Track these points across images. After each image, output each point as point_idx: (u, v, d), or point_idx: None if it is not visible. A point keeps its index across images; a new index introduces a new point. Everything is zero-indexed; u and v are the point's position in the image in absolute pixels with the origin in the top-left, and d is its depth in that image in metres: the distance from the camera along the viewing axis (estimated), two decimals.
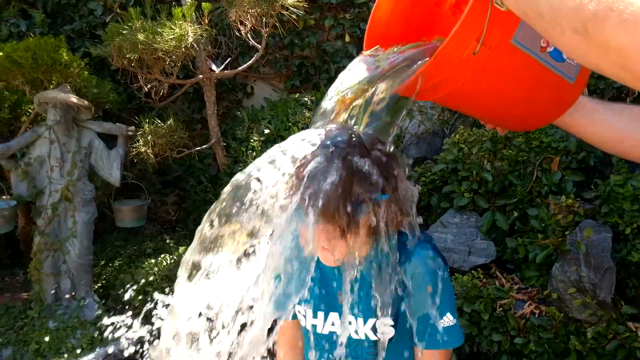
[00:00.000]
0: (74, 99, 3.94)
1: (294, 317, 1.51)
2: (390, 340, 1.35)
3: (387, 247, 1.32)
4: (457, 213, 3.66)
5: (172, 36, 4.01)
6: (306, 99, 5.18)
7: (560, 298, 2.98)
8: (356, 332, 1.37)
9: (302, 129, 4.86)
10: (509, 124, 1.27)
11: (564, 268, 3.00)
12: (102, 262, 4.84)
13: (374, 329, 1.34)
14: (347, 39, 5.45)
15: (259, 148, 4.88)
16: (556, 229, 3.12)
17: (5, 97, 4.31)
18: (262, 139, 4.95)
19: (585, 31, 0.64)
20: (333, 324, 1.39)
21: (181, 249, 4.55)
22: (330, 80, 5.56)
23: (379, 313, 1.33)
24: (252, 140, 4.97)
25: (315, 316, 1.40)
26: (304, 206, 1.13)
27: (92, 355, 3.79)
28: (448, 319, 1.34)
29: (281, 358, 1.60)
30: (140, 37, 3.93)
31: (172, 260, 4.32)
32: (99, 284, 4.63)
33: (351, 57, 5.51)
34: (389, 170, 1.18)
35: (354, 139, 1.16)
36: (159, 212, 5.89)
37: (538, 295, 3.17)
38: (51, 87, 4.11)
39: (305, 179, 1.14)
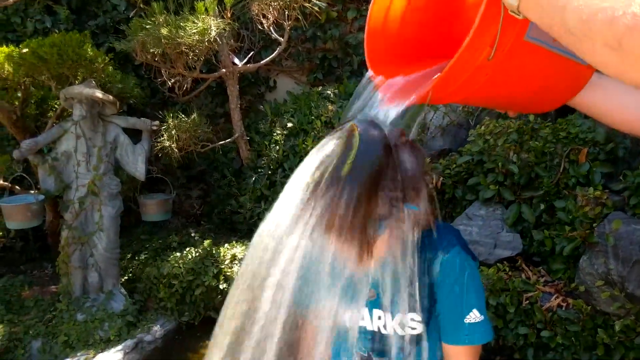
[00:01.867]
0: (99, 94, 3.98)
1: None
2: (419, 336, 1.34)
3: (414, 245, 1.31)
4: (483, 205, 3.62)
5: (195, 30, 4.03)
6: (329, 92, 5.17)
7: (588, 291, 2.94)
8: (384, 326, 1.36)
9: (325, 122, 4.85)
10: (522, 109, 1.27)
11: (592, 260, 2.95)
12: (129, 256, 4.90)
13: (402, 325, 1.34)
14: None
15: (282, 142, 4.89)
16: (584, 221, 3.08)
17: (32, 93, 4.37)
18: (285, 132, 4.96)
19: (619, 46, 0.60)
20: (363, 319, 1.38)
21: (206, 242, 4.58)
22: (353, 72, 5.55)
23: (407, 308, 1.32)
24: (275, 134, 4.98)
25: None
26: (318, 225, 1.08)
27: (119, 347, 3.84)
28: (475, 315, 1.31)
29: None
30: (164, 31, 3.96)
31: (197, 254, 4.35)
32: (126, 277, 4.68)
33: None
34: (416, 173, 1.15)
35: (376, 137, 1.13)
36: (184, 206, 5.93)
37: (565, 288, 3.13)
38: (76, 82, 4.15)
39: (317, 196, 1.08)
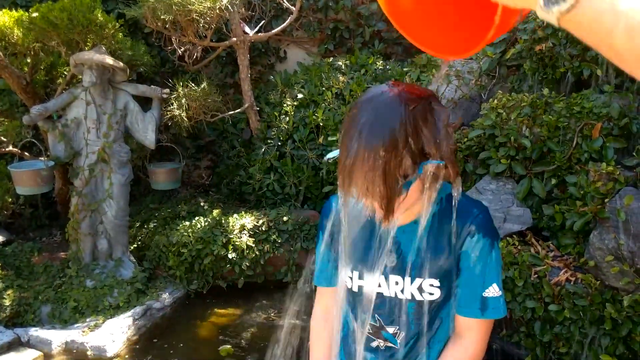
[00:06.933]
0: (109, 60, 3.95)
1: (337, 282, 1.51)
2: (435, 302, 1.34)
3: (436, 208, 1.31)
4: (493, 180, 3.60)
5: None
6: (340, 63, 5.13)
7: (597, 266, 2.93)
8: (402, 291, 1.35)
9: (336, 93, 4.82)
10: None
11: (602, 236, 2.94)
12: (138, 224, 4.92)
13: (420, 289, 1.33)
14: None
15: (292, 113, 4.86)
16: (595, 196, 3.05)
17: (41, 58, 4.35)
18: (295, 103, 4.93)
19: None
20: (380, 285, 1.38)
21: (215, 212, 4.59)
22: (365, 44, 5.50)
23: (427, 272, 1.32)
24: (285, 105, 4.95)
25: (361, 277, 1.39)
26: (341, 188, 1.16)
27: (129, 313, 3.88)
28: (494, 290, 1.32)
29: (315, 325, 1.60)
30: None
31: (207, 223, 4.37)
32: (135, 245, 4.71)
33: (387, 21, 5.43)
34: (436, 129, 1.15)
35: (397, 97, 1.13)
36: (192, 176, 5.94)
37: (574, 263, 3.12)
38: (87, 48, 4.13)
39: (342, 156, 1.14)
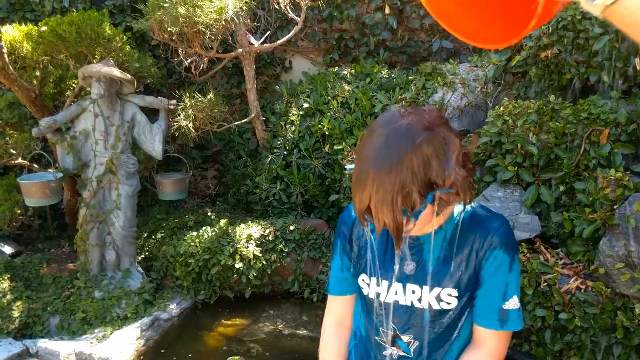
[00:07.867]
0: (117, 72, 3.98)
1: (352, 291, 1.52)
2: (451, 312, 1.34)
3: (457, 219, 1.33)
4: (501, 187, 3.60)
5: (212, 9, 4.01)
6: (345, 72, 5.14)
7: (608, 273, 2.92)
8: (419, 300, 1.36)
9: (342, 102, 4.83)
10: None
11: (612, 243, 2.92)
12: (145, 234, 4.93)
13: (438, 299, 1.34)
14: (387, 10, 5.37)
15: (298, 122, 4.87)
16: (604, 203, 3.04)
17: (50, 71, 4.38)
18: (301, 113, 4.94)
19: None
20: (397, 293, 1.38)
21: (222, 221, 4.60)
22: (369, 53, 5.52)
23: (446, 282, 1.33)
24: (291, 115, 4.96)
25: (379, 284, 1.40)
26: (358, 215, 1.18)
27: (136, 324, 3.88)
28: (513, 302, 1.32)
29: (327, 334, 1.60)
30: (181, 10, 3.94)
31: (214, 233, 4.37)
32: (142, 256, 4.72)
33: (391, 30, 5.45)
34: (446, 160, 1.14)
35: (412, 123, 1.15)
36: (199, 186, 5.96)
37: (584, 271, 3.10)
38: (95, 61, 4.16)
39: (354, 185, 1.16)
